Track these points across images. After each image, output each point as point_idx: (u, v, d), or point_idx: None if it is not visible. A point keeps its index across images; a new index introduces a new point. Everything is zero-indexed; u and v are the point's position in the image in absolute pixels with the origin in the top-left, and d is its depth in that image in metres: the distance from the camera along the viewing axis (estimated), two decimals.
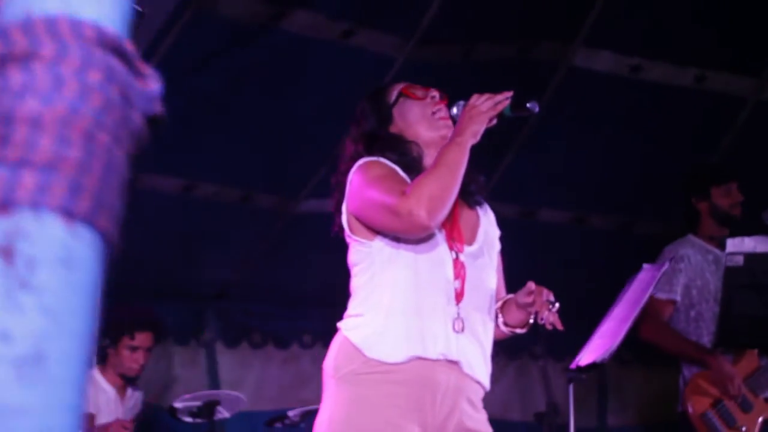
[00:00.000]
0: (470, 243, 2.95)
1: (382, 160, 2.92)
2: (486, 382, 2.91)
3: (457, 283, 2.85)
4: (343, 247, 6.23)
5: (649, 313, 4.68)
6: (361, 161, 2.92)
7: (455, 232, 2.93)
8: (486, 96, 2.86)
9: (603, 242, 6.48)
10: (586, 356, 4.17)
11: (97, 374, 4.82)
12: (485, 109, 2.83)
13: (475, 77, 5.83)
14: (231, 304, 6.47)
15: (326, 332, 6.53)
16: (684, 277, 4.72)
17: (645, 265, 4.05)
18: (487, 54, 5.80)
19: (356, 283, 2.90)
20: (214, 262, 6.23)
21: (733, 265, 4.14)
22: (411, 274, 2.80)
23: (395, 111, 3.02)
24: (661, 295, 4.72)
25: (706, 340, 4.62)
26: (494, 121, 2.89)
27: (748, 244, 4.24)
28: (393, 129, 3.01)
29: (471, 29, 5.75)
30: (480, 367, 2.87)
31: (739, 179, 4.83)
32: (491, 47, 5.82)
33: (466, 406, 2.82)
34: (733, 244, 4.25)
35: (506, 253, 6.28)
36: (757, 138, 6.17)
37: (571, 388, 4.03)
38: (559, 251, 6.45)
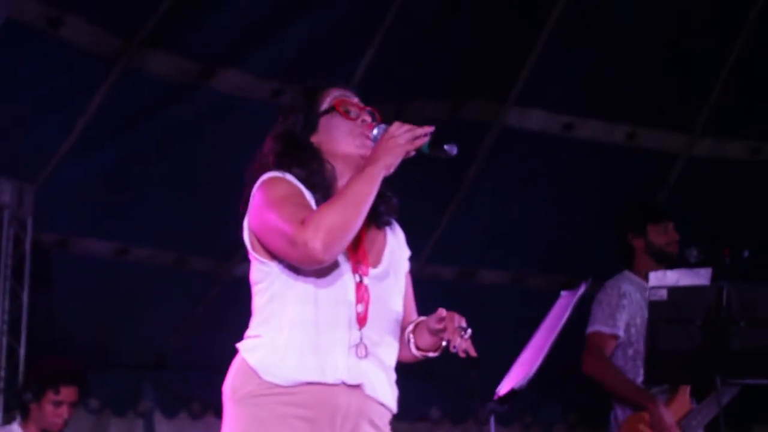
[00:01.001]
0: (375, 265, 2.82)
1: (288, 177, 2.78)
2: (392, 404, 2.82)
3: (360, 307, 2.74)
4: None
5: (593, 347, 4.65)
6: (266, 176, 2.78)
7: (360, 254, 2.84)
8: (407, 127, 2.73)
9: (541, 302, 6.45)
10: (505, 385, 4.13)
11: (18, 430, 4.69)
12: (403, 141, 2.71)
13: None
14: (169, 373, 6.36)
15: None
16: (626, 314, 4.69)
17: (563, 292, 4.02)
18: (419, 112, 5.83)
19: (257, 303, 2.78)
20: (150, 328, 6.14)
21: (657, 300, 4.12)
22: (311, 297, 2.71)
23: (322, 121, 2.87)
24: (606, 330, 4.68)
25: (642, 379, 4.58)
26: (411, 154, 2.84)
27: (671, 277, 4.23)
28: (314, 138, 2.86)
29: (403, 87, 5.79)
30: (384, 389, 2.78)
31: (675, 220, 4.84)
32: (423, 105, 5.85)
33: (368, 428, 2.75)
34: (656, 278, 4.24)
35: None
36: (689, 193, 6.21)
37: (492, 419, 3.98)
38: (498, 311, 6.41)
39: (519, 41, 5.88)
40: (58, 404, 4.68)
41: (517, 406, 6.46)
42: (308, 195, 2.77)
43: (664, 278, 4.26)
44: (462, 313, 6.43)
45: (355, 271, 2.76)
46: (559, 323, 3.80)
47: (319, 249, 2.59)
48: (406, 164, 2.71)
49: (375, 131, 2.83)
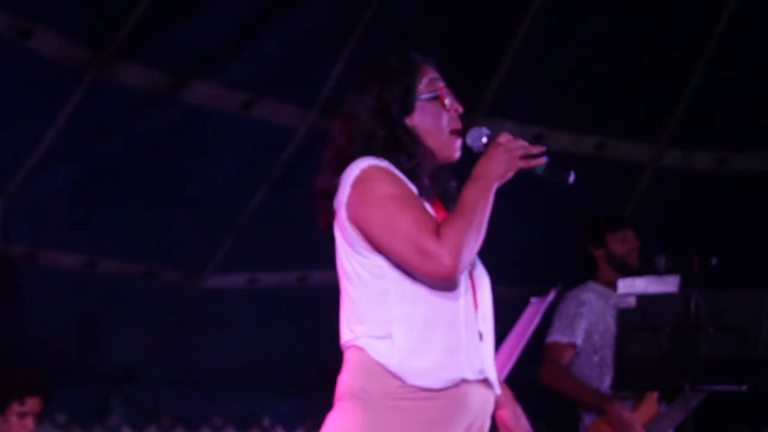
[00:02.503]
0: None
1: (392, 168, 2.59)
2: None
3: (471, 292, 2.65)
4: (247, 326, 6.17)
5: (549, 357, 4.71)
6: (368, 163, 2.57)
7: None
8: (521, 142, 2.59)
9: (513, 312, 6.47)
10: None
11: None
12: (518, 154, 2.58)
13: None
14: (137, 387, 6.32)
15: (237, 414, 6.45)
16: (585, 322, 4.75)
17: (532, 299, 4.05)
18: None
19: (364, 298, 2.58)
20: (119, 341, 6.10)
21: (626, 307, 4.16)
22: (436, 294, 2.56)
23: (419, 105, 2.69)
24: (562, 339, 4.74)
25: (609, 385, 4.62)
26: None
27: (640, 285, 4.27)
28: (408, 121, 2.68)
29: None
30: (496, 381, 2.68)
31: (633, 226, 4.90)
32: None
33: (487, 422, 2.65)
34: (625, 285, 4.27)
35: None
36: (657, 204, 6.26)
37: None
38: None
39: (489, 52, 5.91)
40: (23, 415, 4.66)
41: None
42: (414, 190, 2.60)
43: (633, 286, 4.30)
44: None
45: None
46: (528, 330, 3.83)
47: (451, 267, 2.50)
48: None
49: (468, 139, 2.68)
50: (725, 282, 4.31)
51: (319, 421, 6.93)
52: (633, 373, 4.25)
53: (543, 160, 2.58)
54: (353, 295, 2.60)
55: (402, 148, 2.61)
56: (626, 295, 4.19)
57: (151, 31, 5.18)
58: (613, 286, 4.73)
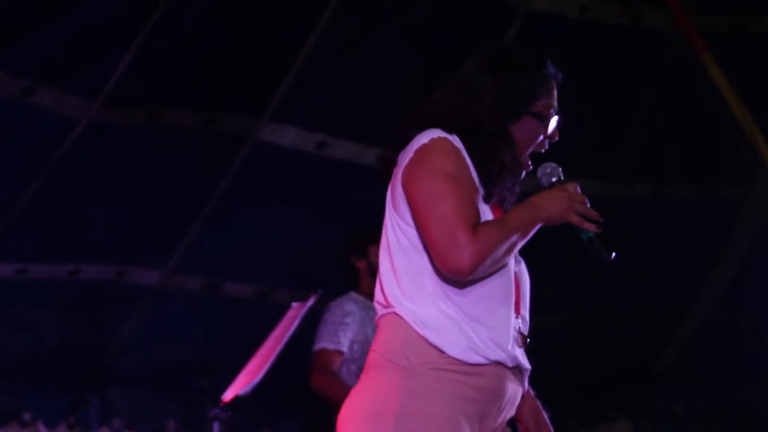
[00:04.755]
0: None
1: (465, 156, 2.57)
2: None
3: (514, 295, 2.63)
4: (14, 318, 5.98)
5: (319, 364, 4.79)
6: (440, 135, 2.56)
7: None
8: (584, 199, 2.58)
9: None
10: (231, 391, 4.20)
11: None
12: (578, 210, 2.56)
13: (162, 143, 5.82)
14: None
15: None
16: (350, 332, 4.84)
17: (293, 304, 4.10)
18: (173, 120, 5.79)
19: (406, 268, 2.58)
20: None
21: None
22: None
23: (527, 117, 2.68)
24: (330, 346, 4.83)
25: None
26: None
27: None
28: (513, 125, 2.68)
29: (158, 94, 5.73)
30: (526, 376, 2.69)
31: None
32: (178, 114, 5.81)
33: (512, 411, 2.67)
34: None
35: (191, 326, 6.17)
36: None
37: (215, 426, 4.01)
38: (243, 325, 6.44)
39: (278, 58, 5.93)
40: None
41: (256, 422, 6.52)
42: (477, 184, 2.60)
43: None
44: (208, 324, 6.44)
45: None
46: (287, 333, 3.89)
47: (470, 267, 2.47)
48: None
49: (547, 170, 2.68)
50: None
51: (83, 417, 6.85)
52: None
53: (593, 228, 2.58)
54: (395, 266, 2.59)
55: (498, 147, 2.62)
56: None
57: None
58: (372, 297, 4.83)
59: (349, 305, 4.90)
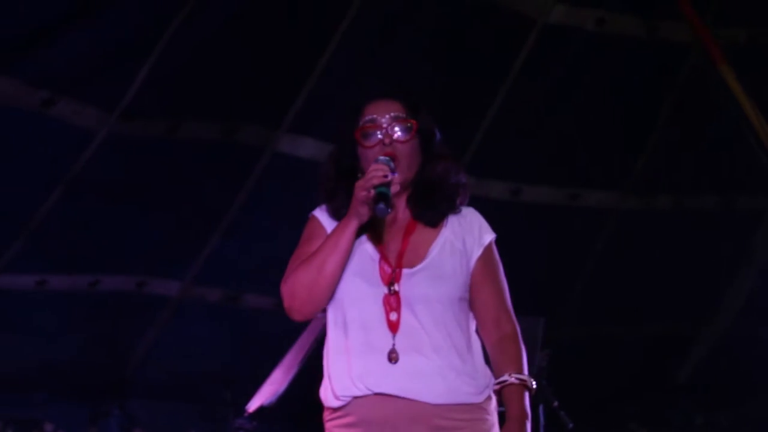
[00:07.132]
0: (412, 265, 2.68)
1: (318, 215, 2.89)
2: (450, 397, 2.64)
3: (393, 315, 2.65)
4: (34, 329, 6.00)
5: None
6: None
7: (398, 258, 2.69)
8: (369, 175, 2.60)
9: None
10: (255, 402, 4.19)
11: None
12: (360, 186, 2.62)
13: (180, 154, 5.84)
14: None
15: (17, 418, 6.24)
16: None
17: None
18: (192, 132, 5.81)
19: None
20: None
21: None
22: (340, 315, 2.71)
23: (359, 148, 2.75)
24: None
25: None
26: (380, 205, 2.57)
27: None
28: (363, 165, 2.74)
29: (177, 106, 5.75)
30: (436, 388, 2.63)
31: None
32: (197, 126, 5.83)
33: (415, 429, 2.62)
34: None
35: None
36: None
37: None
38: (262, 336, 6.45)
39: (296, 70, 5.95)
40: None
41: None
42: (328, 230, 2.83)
43: None
44: (228, 336, 6.43)
45: (386, 281, 2.68)
46: (308, 344, 3.87)
47: (288, 307, 2.72)
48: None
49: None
50: None
51: (104, 428, 6.87)
52: None
53: (377, 181, 2.58)
54: None
55: (331, 196, 2.86)
56: None
57: None
58: None
59: None
